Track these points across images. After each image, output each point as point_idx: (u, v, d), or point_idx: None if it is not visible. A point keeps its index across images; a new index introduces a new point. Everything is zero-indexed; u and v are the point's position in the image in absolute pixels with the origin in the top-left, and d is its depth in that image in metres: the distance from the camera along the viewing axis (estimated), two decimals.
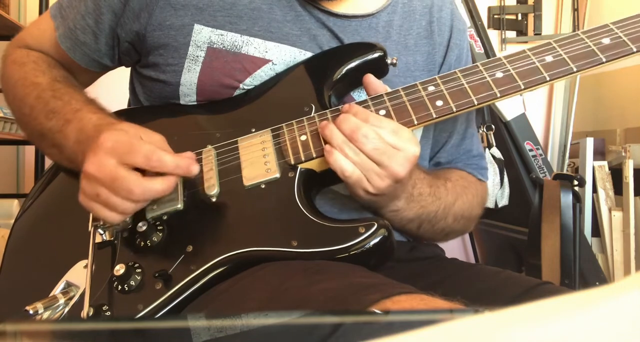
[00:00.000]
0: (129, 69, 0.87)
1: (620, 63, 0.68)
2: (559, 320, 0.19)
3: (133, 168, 0.60)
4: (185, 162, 0.61)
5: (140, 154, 0.58)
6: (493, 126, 1.93)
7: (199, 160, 0.69)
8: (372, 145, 0.61)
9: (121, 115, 0.75)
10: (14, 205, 1.73)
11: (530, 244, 1.51)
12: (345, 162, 0.62)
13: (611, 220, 1.85)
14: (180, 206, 0.65)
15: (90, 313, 0.60)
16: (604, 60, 0.66)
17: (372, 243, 0.59)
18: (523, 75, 0.66)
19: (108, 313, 0.60)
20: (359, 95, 0.78)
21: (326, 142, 0.65)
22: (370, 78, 0.71)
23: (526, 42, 2.35)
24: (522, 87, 0.66)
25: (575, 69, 0.66)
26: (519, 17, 2.38)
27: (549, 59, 0.67)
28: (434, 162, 0.87)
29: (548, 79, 0.66)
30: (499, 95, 0.66)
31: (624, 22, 0.68)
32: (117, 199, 0.59)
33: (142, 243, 0.64)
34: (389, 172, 0.62)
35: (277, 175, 0.66)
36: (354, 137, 0.62)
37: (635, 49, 0.66)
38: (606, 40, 0.67)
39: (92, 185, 0.59)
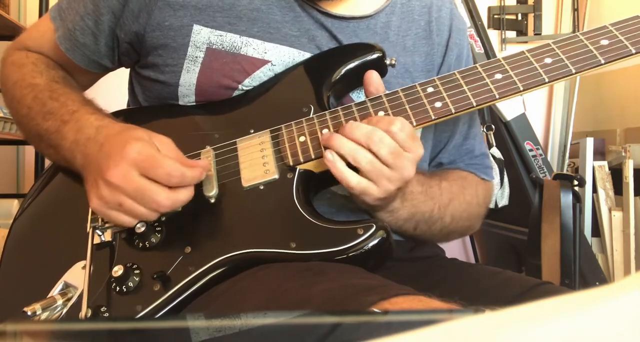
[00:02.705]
0: (127, 70, 0.87)
1: (620, 63, 0.68)
2: (559, 320, 0.19)
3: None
4: (198, 173, 0.62)
5: (162, 171, 0.59)
6: (493, 126, 1.93)
7: None
8: (387, 149, 0.61)
9: (119, 115, 0.75)
10: (14, 205, 1.73)
11: (530, 244, 1.51)
12: (349, 173, 0.62)
13: (611, 220, 1.85)
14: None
15: (89, 314, 0.59)
16: (602, 62, 0.66)
17: (370, 245, 0.59)
18: (522, 77, 0.66)
19: (106, 315, 0.60)
20: (358, 96, 0.77)
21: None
22: (372, 75, 0.70)
23: (526, 42, 2.35)
24: (521, 89, 0.66)
25: (574, 71, 0.66)
26: (519, 17, 2.38)
27: (547, 60, 0.67)
28: (435, 163, 0.87)
29: (547, 80, 0.66)
30: (497, 97, 0.66)
31: (623, 23, 0.68)
32: (144, 209, 0.60)
33: (141, 244, 0.64)
34: (400, 175, 0.62)
35: (276, 176, 0.66)
36: (371, 142, 0.61)
37: (634, 51, 0.66)
38: (605, 42, 0.67)
39: (115, 195, 0.60)
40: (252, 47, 0.73)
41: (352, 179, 0.62)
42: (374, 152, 0.61)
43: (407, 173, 0.63)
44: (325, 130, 0.67)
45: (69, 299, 0.63)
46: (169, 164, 0.59)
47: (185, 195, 0.61)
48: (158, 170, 0.59)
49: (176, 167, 0.59)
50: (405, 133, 0.62)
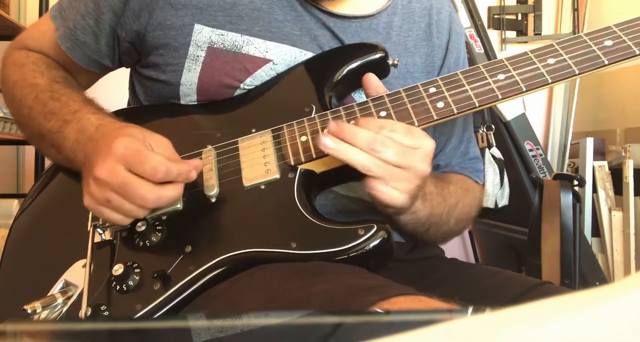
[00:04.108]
0: (128, 70, 0.87)
1: (622, 64, 0.67)
2: (559, 320, 0.19)
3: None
4: (185, 169, 0.61)
5: (148, 166, 0.58)
6: (493, 126, 1.93)
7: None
8: (392, 151, 0.60)
9: (120, 115, 0.75)
10: (14, 205, 1.73)
11: (530, 244, 1.51)
12: (393, 193, 0.61)
13: (611, 220, 1.84)
14: (179, 206, 0.65)
15: (88, 313, 0.59)
16: (606, 62, 0.65)
17: (371, 245, 0.59)
18: (525, 78, 0.66)
19: (106, 313, 0.60)
20: (360, 96, 0.77)
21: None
22: (370, 77, 0.70)
23: (526, 42, 2.34)
24: (524, 89, 0.66)
25: (577, 72, 0.65)
26: (519, 17, 2.37)
27: (551, 61, 0.66)
28: (433, 165, 0.87)
29: (550, 81, 0.65)
30: (500, 97, 0.66)
31: (627, 24, 0.67)
32: (131, 205, 0.60)
33: (141, 243, 0.64)
34: (415, 172, 0.62)
35: (277, 176, 0.66)
36: (373, 149, 0.60)
37: (638, 52, 0.65)
38: (608, 43, 0.66)
39: (102, 190, 0.59)
40: (254, 46, 0.73)
41: (397, 199, 0.62)
42: (380, 157, 0.60)
43: (420, 169, 0.62)
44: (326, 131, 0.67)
45: (69, 298, 0.63)
46: (154, 159, 0.58)
47: (171, 191, 0.60)
48: (143, 165, 0.58)
49: (161, 161, 0.59)
50: (398, 133, 0.61)
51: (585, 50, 0.66)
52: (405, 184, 0.62)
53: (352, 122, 0.64)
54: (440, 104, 0.66)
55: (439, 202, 0.74)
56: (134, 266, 0.62)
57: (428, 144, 0.63)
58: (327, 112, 0.69)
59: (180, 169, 0.60)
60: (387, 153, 0.60)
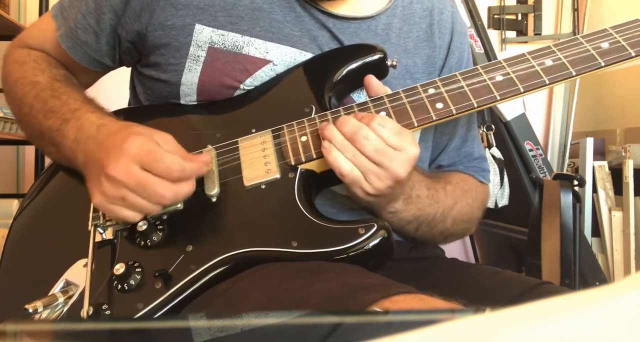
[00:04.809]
0: (129, 69, 0.87)
1: (620, 65, 0.68)
2: (559, 320, 0.19)
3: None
4: (197, 166, 0.63)
5: (164, 165, 0.59)
6: (493, 126, 1.93)
7: None
8: (372, 146, 0.61)
9: (121, 114, 0.75)
10: (14, 205, 1.73)
11: (530, 244, 1.51)
12: (342, 160, 0.62)
13: (611, 220, 1.85)
14: (180, 205, 0.65)
15: (90, 312, 0.60)
16: (602, 64, 0.66)
17: (371, 244, 0.59)
18: (523, 79, 0.67)
19: (108, 312, 0.60)
20: (359, 96, 0.78)
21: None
22: (371, 79, 0.71)
23: (526, 42, 2.34)
24: (522, 90, 0.67)
25: (574, 73, 0.67)
26: (519, 17, 2.37)
27: (548, 62, 0.67)
28: (435, 165, 0.87)
29: (547, 82, 0.66)
30: (499, 98, 0.67)
31: (623, 26, 0.69)
32: (147, 203, 0.61)
33: (142, 242, 0.64)
34: (390, 173, 0.63)
35: (277, 175, 0.66)
36: (355, 139, 0.62)
37: (634, 54, 0.67)
38: (605, 45, 0.67)
39: (117, 189, 0.60)
40: (254, 46, 0.74)
41: (344, 166, 0.62)
42: (358, 148, 0.62)
43: (396, 172, 0.63)
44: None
45: (70, 297, 0.63)
46: (169, 158, 0.60)
47: (187, 188, 0.62)
48: (159, 164, 0.59)
49: (177, 161, 0.60)
50: (388, 129, 0.62)
51: (582, 52, 0.67)
52: (377, 182, 0.63)
53: (352, 115, 0.65)
54: (439, 105, 0.67)
55: (430, 204, 0.74)
56: (135, 265, 0.62)
57: (413, 150, 0.63)
58: (327, 112, 0.70)
59: (194, 167, 0.62)
60: (367, 146, 0.61)
